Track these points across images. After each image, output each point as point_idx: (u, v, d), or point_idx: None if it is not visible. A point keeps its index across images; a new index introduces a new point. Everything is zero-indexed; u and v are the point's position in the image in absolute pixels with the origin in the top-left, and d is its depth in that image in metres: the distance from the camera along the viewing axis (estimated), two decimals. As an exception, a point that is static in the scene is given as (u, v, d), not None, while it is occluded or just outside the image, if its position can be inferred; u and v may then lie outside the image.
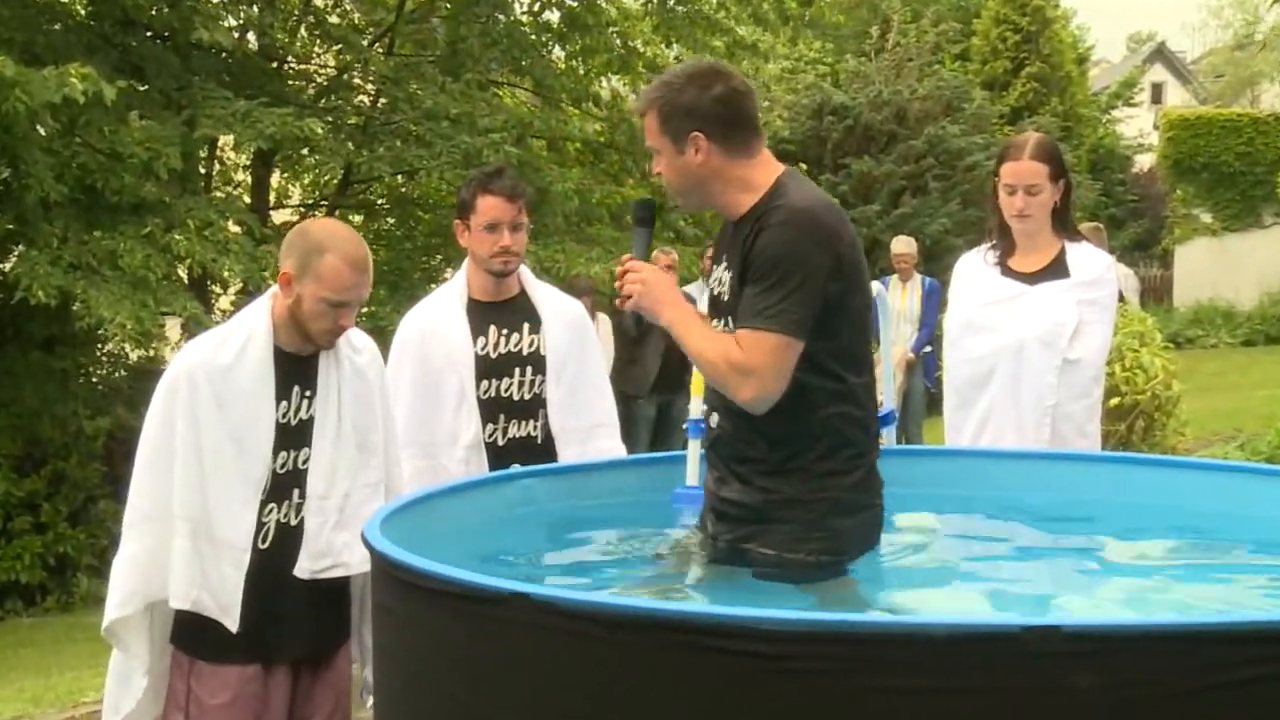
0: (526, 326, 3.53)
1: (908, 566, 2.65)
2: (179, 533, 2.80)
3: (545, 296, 3.60)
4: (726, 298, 2.61)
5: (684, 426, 3.01)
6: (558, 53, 11.21)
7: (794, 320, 2.44)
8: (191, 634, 2.88)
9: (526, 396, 3.50)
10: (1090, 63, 28.89)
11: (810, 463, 2.52)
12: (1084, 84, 23.94)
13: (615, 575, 2.63)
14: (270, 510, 2.89)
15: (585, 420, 3.54)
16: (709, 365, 2.51)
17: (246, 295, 8.22)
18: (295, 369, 2.92)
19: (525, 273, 3.63)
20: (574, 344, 3.54)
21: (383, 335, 8.50)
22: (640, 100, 2.69)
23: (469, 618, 1.91)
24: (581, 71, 10.86)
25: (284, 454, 2.89)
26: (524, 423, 3.50)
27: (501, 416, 3.48)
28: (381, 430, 3.05)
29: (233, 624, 2.83)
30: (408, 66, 10.01)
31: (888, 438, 3.33)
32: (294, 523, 2.91)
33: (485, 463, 3.42)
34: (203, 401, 2.81)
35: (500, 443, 3.47)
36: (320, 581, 2.91)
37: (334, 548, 2.92)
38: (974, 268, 3.71)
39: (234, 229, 8.64)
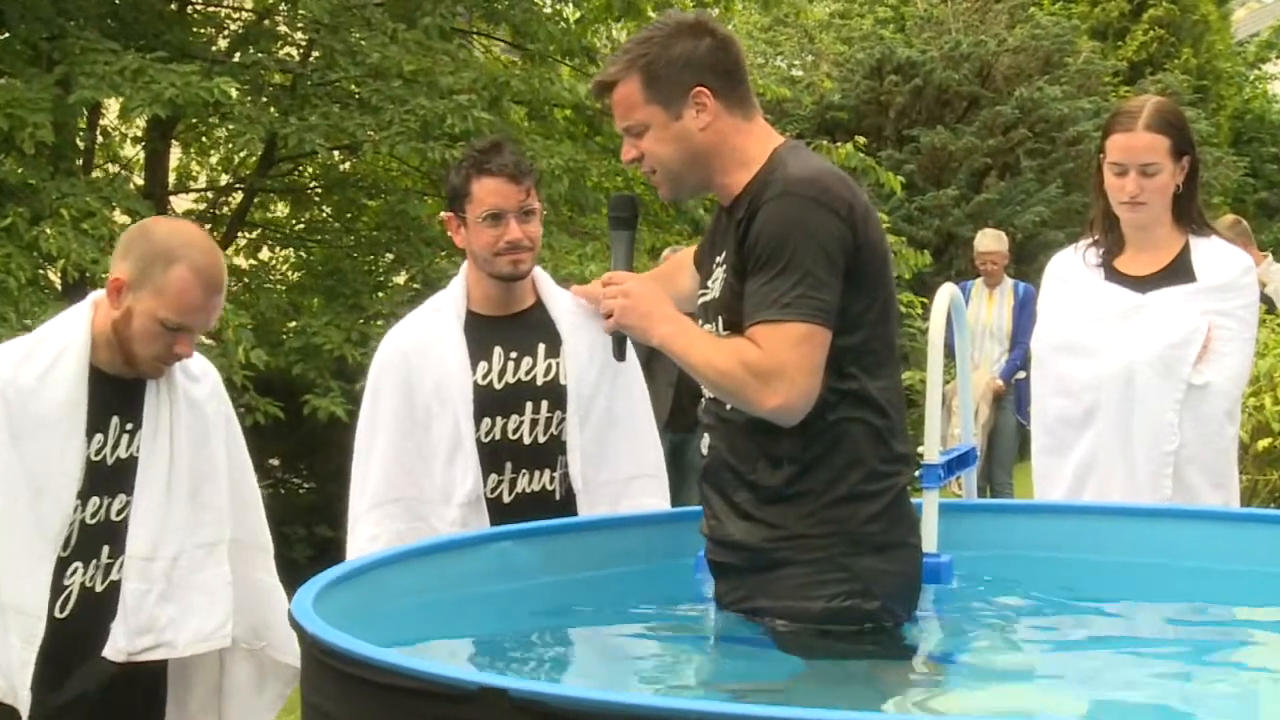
0: (543, 348, 3.53)
1: (984, 656, 2.70)
2: None
3: (569, 308, 3.56)
4: (716, 295, 2.71)
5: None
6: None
7: (816, 305, 2.55)
8: None
9: (542, 439, 3.50)
10: (1235, 2, 28.97)
11: (820, 485, 2.63)
12: (1226, 31, 23.98)
13: (614, 665, 2.68)
14: (73, 571, 2.94)
15: (620, 470, 3.53)
16: (724, 377, 2.61)
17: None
18: (116, 396, 2.97)
19: (542, 277, 3.63)
20: (606, 371, 3.52)
21: (317, 355, 8.65)
22: (609, 69, 2.76)
23: None
24: (574, 17, 10.96)
25: (95, 500, 2.95)
26: (538, 473, 3.50)
27: (508, 465, 3.49)
28: (224, 479, 3.11)
29: (24, 709, 2.88)
30: (348, 9, 10.07)
31: (966, 486, 3.40)
32: (101, 588, 2.97)
33: (487, 524, 3.40)
34: None
35: (506, 499, 3.48)
36: (138, 665, 2.97)
37: (157, 623, 2.98)
38: (1070, 270, 3.75)
39: (122, 220, 8.70)
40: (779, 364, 2.55)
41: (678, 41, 2.70)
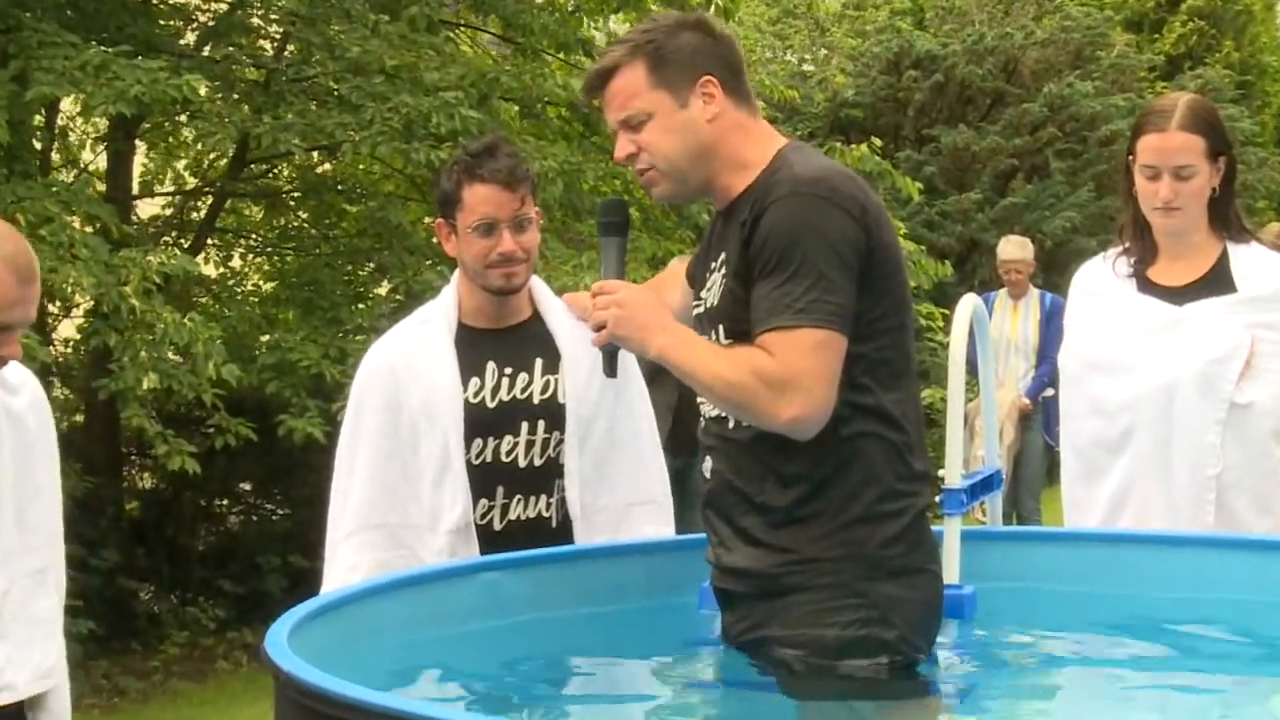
0: (539, 364, 3.53)
1: (1008, 698, 2.70)
2: None
3: (567, 321, 3.57)
4: (715, 301, 2.72)
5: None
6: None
7: (832, 309, 2.57)
8: None
9: (537, 462, 3.50)
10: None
11: (833, 506, 2.63)
12: (1271, 22, 24.02)
13: (612, 708, 2.68)
14: None
15: (621, 496, 3.54)
16: (732, 389, 2.61)
17: (100, 318, 8.30)
18: None
19: (539, 288, 3.63)
20: (607, 388, 3.52)
21: (292, 372, 8.66)
22: (608, 56, 2.79)
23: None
24: (570, 8, 10.98)
25: None
26: (533, 499, 3.51)
27: (501, 490, 3.49)
28: (50, 499, 3.08)
29: None
30: (326, 0, 10.11)
31: (990, 512, 3.40)
32: None
33: (476, 553, 3.40)
34: None
35: (498, 526, 3.48)
36: None
37: None
38: (1099, 282, 3.75)
39: (83, 227, 8.72)
40: (794, 373, 2.56)
41: (683, 31, 2.75)
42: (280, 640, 2.29)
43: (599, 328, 2.76)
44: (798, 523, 2.65)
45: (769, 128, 2.81)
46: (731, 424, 2.71)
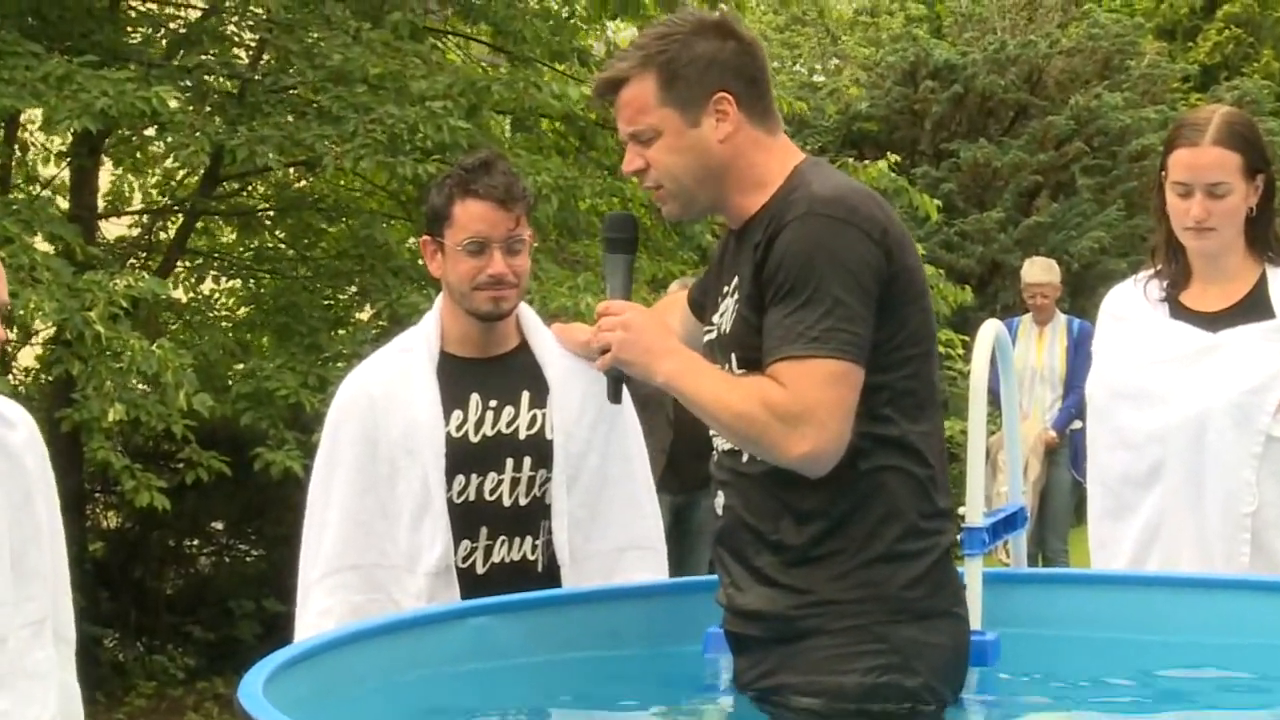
0: (527, 396, 3.54)
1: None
2: None
3: (557, 351, 3.58)
4: (728, 328, 2.73)
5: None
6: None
7: (848, 339, 2.58)
8: None
9: (523, 501, 3.51)
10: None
11: (853, 544, 2.64)
12: (1311, 29, 24.11)
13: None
14: None
15: (612, 539, 3.55)
16: (741, 420, 2.62)
17: (62, 345, 8.30)
18: None
19: (528, 316, 3.64)
20: (599, 424, 3.54)
21: (269, 402, 8.64)
22: (619, 64, 2.79)
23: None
24: (564, 14, 11.00)
25: None
26: (518, 540, 3.51)
27: (484, 530, 3.50)
28: (48, 543, 3.08)
29: None
30: (306, 5, 10.12)
31: (1015, 553, 3.40)
32: None
33: (457, 597, 3.41)
34: None
35: (480, 569, 3.49)
36: None
37: None
38: (1129, 307, 3.76)
39: (44, 247, 8.73)
40: (807, 405, 2.57)
41: (700, 40, 2.74)
42: (255, 691, 2.29)
43: (603, 350, 2.76)
44: (814, 562, 2.66)
45: (788, 143, 2.81)
46: (745, 458, 2.72)
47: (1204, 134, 3.59)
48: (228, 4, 10.16)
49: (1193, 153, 3.59)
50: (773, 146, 2.77)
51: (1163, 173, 3.68)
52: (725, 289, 2.79)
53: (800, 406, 2.57)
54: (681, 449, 7.94)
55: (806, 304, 2.58)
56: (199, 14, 10.42)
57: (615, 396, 2.91)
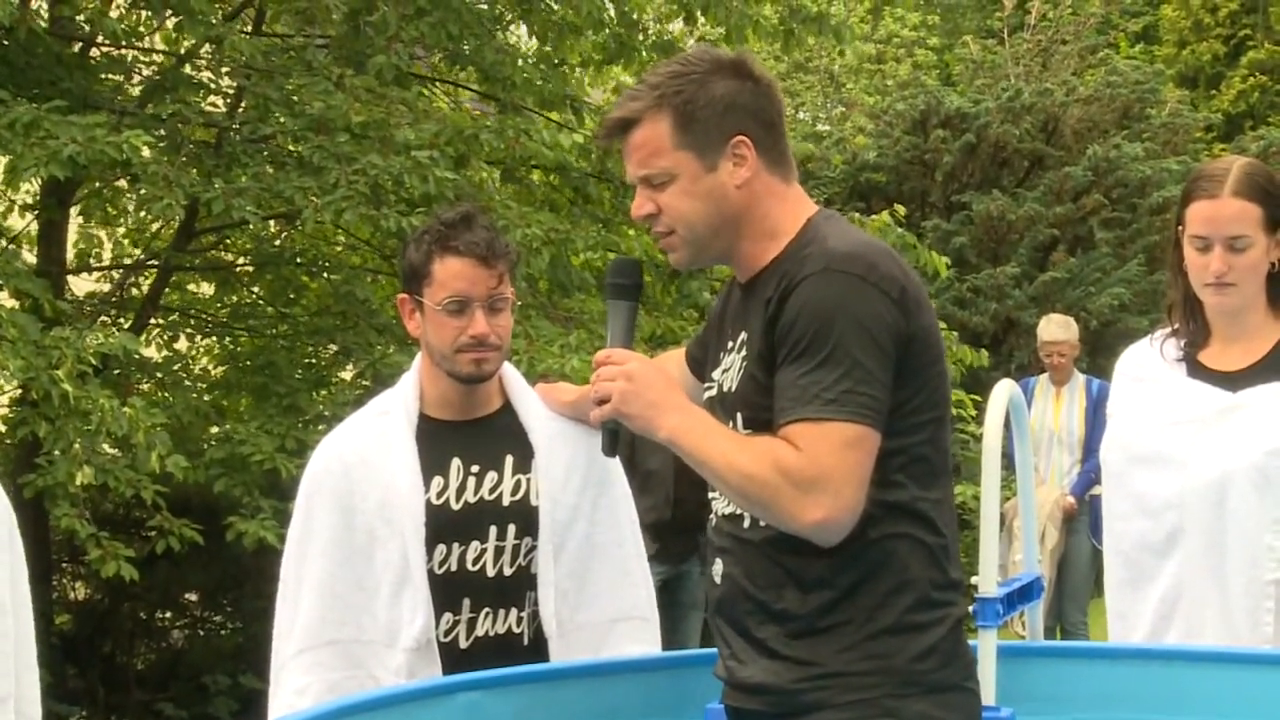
0: (510, 461, 3.54)
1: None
2: None
3: (542, 413, 3.59)
4: (734, 386, 2.74)
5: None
6: (520, 32, 11.36)
7: (865, 402, 2.59)
8: None
9: (508, 571, 3.51)
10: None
11: (861, 614, 2.64)
12: (1339, 75, 24.23)
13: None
14: None
15: (601, 611, 3.55)
16: (751, 483, 2.62)
17: (28, 405, 8.30)
18: None
19: (512, 376, 3.64)
20: (587, 489, 3.55)
21: (244, 468, 8.62)
22: (631, 104, 2.78)
23: None
24: (555, 61, 11.05)
25: None
26: (502, 612, 3.51)
27: (467, 602, 3.50)
28: (13, 619, 3.09)
29: None
30: (286, 50, 10.16)
31: (1030, 625, 3.40)
32: None
33: (439, 673, 3.39)
34: None
35: (463, 643, 3.49)
36: None
37: None
38: (1146, 367, 3.77)
39: (10, 303, 8.74)
40: (822, 471, 2.57)
41: (718, 80, 2.74)
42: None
43: (601, 401, 2.76)
44: (820, 633, 2.67)
45: (801, 193, 2.82)
46: (747, 522, 2.73)
47: (1223, 185, 3.60)
48: (204, 50, 10.20)
49: (1211, 205, 3.61)
50: (787, 195, 2.79)
51: (1179, 227, 3.70)
52: (729, 344, 2.80)
53: (815, 471, 2.57)
54: (667, 523, 7.92)
55: (823, 364, 2.59)
56: (173, 60, 10.46)
57: (611, 450, 2.90)
